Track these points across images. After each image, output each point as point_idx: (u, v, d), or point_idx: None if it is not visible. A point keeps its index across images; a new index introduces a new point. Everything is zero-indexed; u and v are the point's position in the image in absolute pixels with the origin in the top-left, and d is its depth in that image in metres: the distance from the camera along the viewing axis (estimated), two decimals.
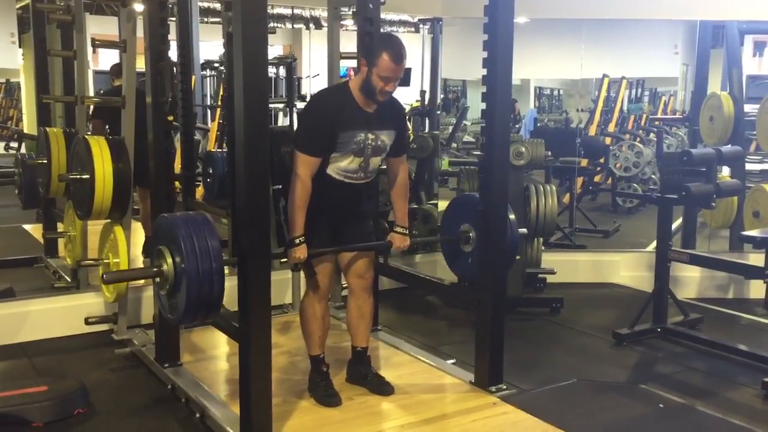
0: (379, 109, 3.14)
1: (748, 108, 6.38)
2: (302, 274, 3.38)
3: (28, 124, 12.21)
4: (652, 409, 3.40)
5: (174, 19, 6.24)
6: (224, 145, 7.20)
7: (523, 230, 4.09)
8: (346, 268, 3.39)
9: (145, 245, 5.51)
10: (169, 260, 2.74)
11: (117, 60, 4.80)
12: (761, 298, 3.93)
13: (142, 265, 5.30)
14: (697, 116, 6.17)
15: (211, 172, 6.12)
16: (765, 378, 3.65)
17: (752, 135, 6.48)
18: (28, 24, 6.50)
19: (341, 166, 3.14)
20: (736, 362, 4.05)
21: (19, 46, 11.58)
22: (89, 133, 4.63)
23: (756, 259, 4.33)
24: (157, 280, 2.84)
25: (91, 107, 5.32)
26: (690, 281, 5.37)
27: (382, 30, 4.31)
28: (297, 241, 3.05)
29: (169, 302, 2.83)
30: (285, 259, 3.14)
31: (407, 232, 3.40)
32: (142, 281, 4.78)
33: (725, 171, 6.17)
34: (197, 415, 3.21)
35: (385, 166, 3.35)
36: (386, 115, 3.18)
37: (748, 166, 6.96)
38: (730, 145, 5.49)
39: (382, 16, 4.36)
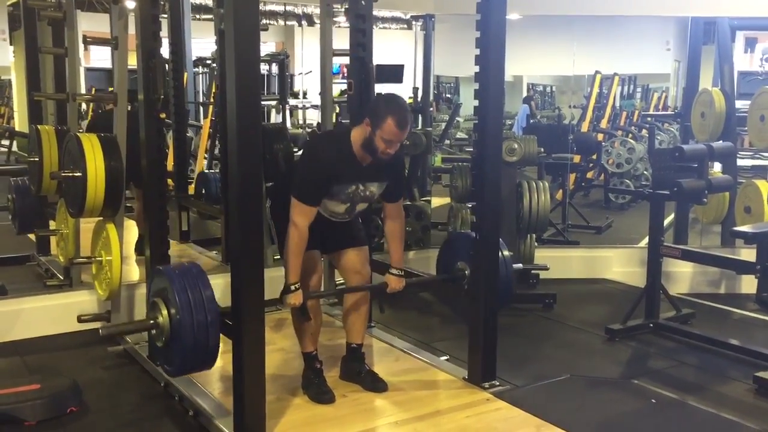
0: (376, 161, 3.13)
1: (740, 104, 6.41)
2: None
3: (20, 121, 12.19)
4: (644, 404, 3.41)
5: (166, 15, 6.25)
6: (217, 141, 7.18)
7: (518, 265, 4.11)
8: (343, 266, 3.41)
9: (137, 243, 5.51)
10: (164, 312, 2.78)
11: (108, 56, 4.77)
12: (753, 293, 3.94)
13: (134, 263, 5.31)
14: (689, 112, 6.19)
15: (204, 192, 6.29)
16: (756, 372, 3.67)
17: (743, 131, 6.51)
18: (19, 21, 6.49)
19: (329, 208, 3.21)
20: (727, 357, 4.07)
21: (10, 44, 11.56)
22: (81, 131, 4.62)
23: (747, 254, 4.35)
24: (153, 332, 2.88)
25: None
26: (682, 277, 5.39)
27: (375, 27, 4.31)
28: (293, 288, 3.08)
29: (166, 353, 2.87)
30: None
31: (403, 273, 3.41)
32: (136, 278, 4.80)
33: (717, 167, 6.20)
34: (191, 413, 3.21)
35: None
36: (382, 169, 3.19)
37: (740, 162, 6.99)
38: (721, 141, 5.51)
39: (375, 12, 4.36)
